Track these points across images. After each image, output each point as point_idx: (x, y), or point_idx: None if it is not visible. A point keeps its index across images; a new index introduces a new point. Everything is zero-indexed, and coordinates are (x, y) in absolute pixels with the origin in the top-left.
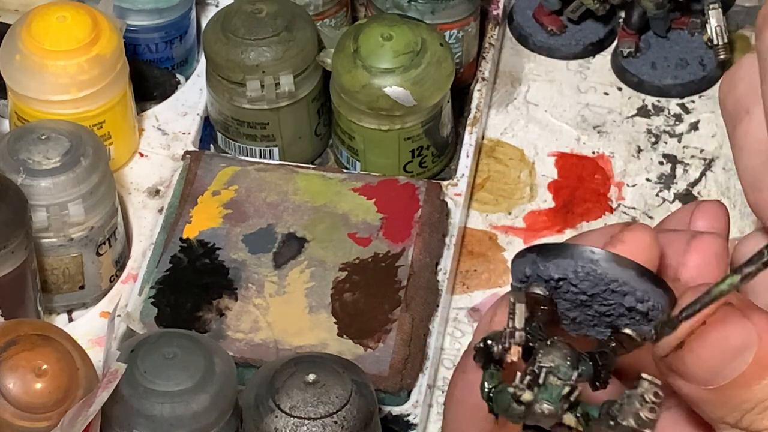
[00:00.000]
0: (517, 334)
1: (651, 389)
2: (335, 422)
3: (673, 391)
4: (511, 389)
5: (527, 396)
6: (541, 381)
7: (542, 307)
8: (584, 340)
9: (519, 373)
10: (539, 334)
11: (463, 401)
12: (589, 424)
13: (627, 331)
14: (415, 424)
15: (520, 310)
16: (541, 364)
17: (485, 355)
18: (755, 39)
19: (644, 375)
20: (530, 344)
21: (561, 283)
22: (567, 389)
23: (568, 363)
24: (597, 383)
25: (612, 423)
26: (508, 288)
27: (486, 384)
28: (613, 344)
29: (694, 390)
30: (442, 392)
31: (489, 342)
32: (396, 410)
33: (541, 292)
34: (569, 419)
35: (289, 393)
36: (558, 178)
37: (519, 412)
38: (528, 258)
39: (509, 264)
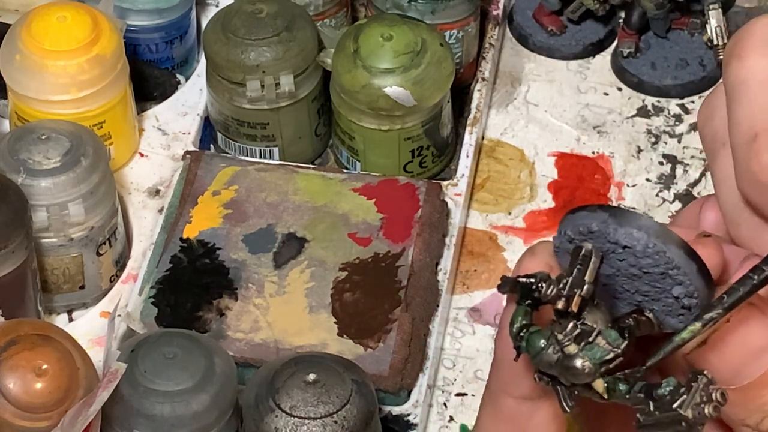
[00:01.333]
0: (586, 287)
1: (718, 389)
2: (335, 422)
3: None
4: (559, 336)
5: (572, 349)
6: (591, 339)
7: (578, 265)
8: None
9: (570, 324)
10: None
11: (502, 359)
12: (613, 396)
13: (649, 315)
14: (415, 424)
15: (595, 264)
16: (586, 321)
17: (525, 291)
18: (723, 72)
19: (706, 372)
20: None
21: (623, 250)
22: (611, 355)
23: (609, 327)
24: (623, 337)
25: (657, 406)
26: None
27: (519, 319)
28: (629, 322)
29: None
30: (442, 392)
31: (538, 281)
32: (396, 410)
33: (584, 251)
34: (599, 384)
35: (290, 393)
36: (558, 178)
37: (551, 360)
38: (599, 215)
39: (509, 264)
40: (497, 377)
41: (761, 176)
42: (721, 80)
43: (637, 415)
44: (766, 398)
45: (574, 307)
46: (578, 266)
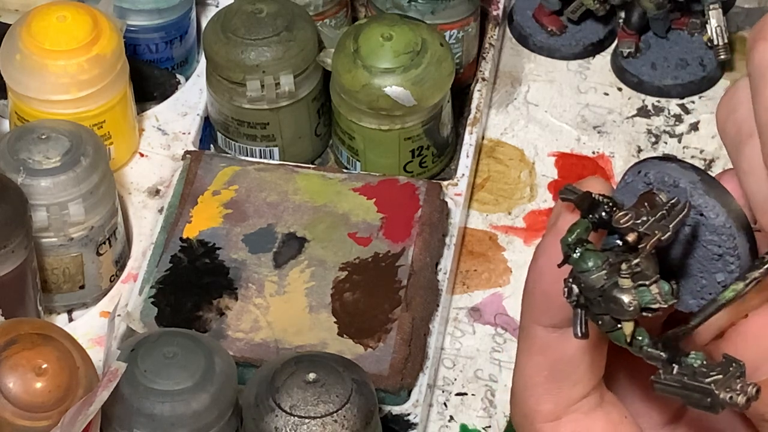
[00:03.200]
0: (669, 233)
1: (753, 384)
2: (335, 421)
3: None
4: (624, 266)
5: (627, 283)
6: (647, 283)
7: (643, 209)
8: None
9: (636, 260)
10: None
11: (533, 290)
12: (634, 343)
13: (673, 285)
14: (415, 424)
15: (682, 217)
16: (641, 265)
17: (595, 206)
18: (747, 59)
19: (743, 363)
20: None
21: (696, 217)
22: (657, 305)
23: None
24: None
25: (686, 373)
26: (504, 286)
27: (578, 231)
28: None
29: None
30: (442, 392)
31: (611, 204)
32: (396, 410)
33: (675, 200)
34: (628, 327)
35: (290, 392)
36: (558, 178)
37: (597, 283)
38: (690, 174)
39: (509, 264)
40: (528, 307)
41: None
42: (739, 78)
43: (659, 371)
44: None
45: (649, 247)
46: (665, 210)
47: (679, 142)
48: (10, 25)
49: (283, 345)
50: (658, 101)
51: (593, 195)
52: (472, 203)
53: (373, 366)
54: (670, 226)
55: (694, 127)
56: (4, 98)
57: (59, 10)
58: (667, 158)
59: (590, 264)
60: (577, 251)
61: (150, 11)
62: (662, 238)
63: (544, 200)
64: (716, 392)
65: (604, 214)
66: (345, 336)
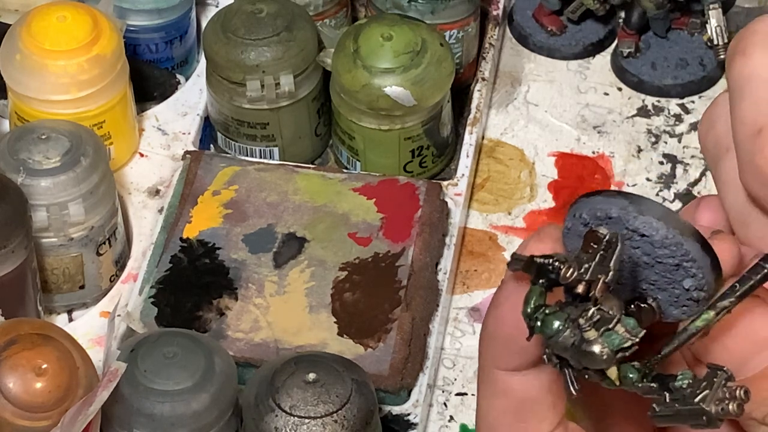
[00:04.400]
0: (611, 273)
1: (741, 386)
2: (335, 421)
3: None
4: (581, 320)
5: (592, 334)
6: (610, 326)
7: (593, 245)
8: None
9: (592, 309)
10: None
11: (494, 334)
12: (624, 383)
13: (652, 304)
14: (415, 424)
15: (620, 251)
16: (603, 308)
17: (541, 271)
18: (726, 73)
19: (726, 368)
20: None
21: (640, 239)
22: (629, 343)
23: (625, 314)
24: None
25: (677, 398)
26: None
27: (533, 300)
28: (632, 310)
29: None
30: (442, 392)
31: (556, 262)
32: (396, 410)
33: (609, 236)
34: (612, 372)
35: (290, 392)
36: (558, 178)
37: (568, 343)
38: (618, 201)
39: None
40: (488, 352)
41: (766, 170)
42: (721, 92)
43: (653, 404)
44: None
45: (598, 293)
46: (602, 251)
47: (679, 141)
48: (10, 25)
49: (283, 345)
50: (658, 101)
51: (536, 260)
52: (472, 203)
53: (373, 366)
54: (610, 265)
55: (694, 127)
56: (4, 98)
57: (59, 10)
58: (595, 192)
59: (555, 327)
60: (538, 320)
61: (150, 11)
62: (606, 280)
63: (544, 200)
64: (707, 409)
65: (551, 275)
66: (345, 336)
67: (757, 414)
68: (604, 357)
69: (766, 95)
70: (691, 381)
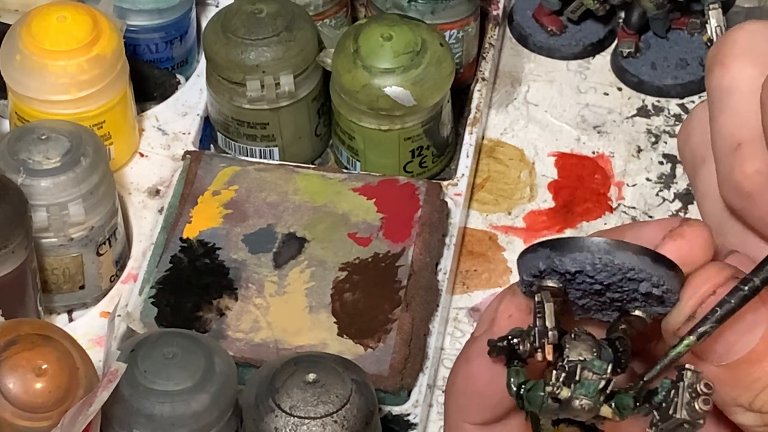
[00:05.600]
0: (550, 333)
1: (701, 380)
2: (335, 422)
3: None
4: (548, 388)
5: (565, 393)
6: (577, 377)
7: (554, 299)
8: (591, 324)
9: (554, 371)
10: (558, 328)
11: (465, 390)
12: (623, 413)
13: (637, 313)
14: (415, 424)
15: (550, 309)
16: (571, 359)
17: (509, 352)
18: (705, 79)
19: (688, 366)
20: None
21: (577, 275)
22: (603, 383)
23: (595, 354)
24: (618, 369)
25: (658, 415)
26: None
27: (513, 381)
28: (623, 326)
29: (706, 369)
30: (442, 392)
31: (514, 340)
32: (396, 410)
33: (555, 285)
34: (606, 410)
35: (289, 392)
36: (558, 178)
37: (555, 408)
38: (541, 253)
39: (509, 264)
40: (458, 407)
41: (744, 185)
42: (697, 103)
43: (647, 429)
44: (757, 375)
45: (549, 356)
46: (538, 315)
47: None
48: (10, 25)
49: (283, 345)
50: (658, 101)
51: (500, 344)
52: (472, 203)
53: (373, 366)
54: (546, 324)
55: None
56: (4, 98)
57: (59, 11)
58: (526, 249)
59: (539, 399)
60: (524, 398)
61: (150, 11)
62: (550, 342)
63: (544, 200)
64: (682, 418)
65: (519, 356)
66: (345, 336)
67: (743, 399)
68: (586, 408)
69: (745, 109)
70: (665, 393)
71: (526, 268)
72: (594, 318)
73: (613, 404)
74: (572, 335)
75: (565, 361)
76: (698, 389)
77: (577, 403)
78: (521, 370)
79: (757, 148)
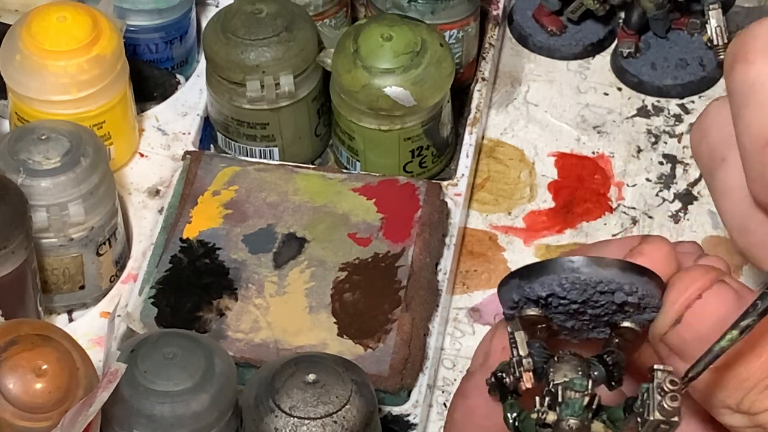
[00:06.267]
0: (524, 361)
1: (666, 377)
2: (335, 422)
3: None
4: (534, 415)
5: (551, 417)
6: (560, 399)
7: (540, 326)
8: (589, 344)
9: (537, 397)
10: (545, 352)
11: (464, 425)
12: (617, 425)
13: (626, 324)
14: (415, 424)
15: (520, 337)
16: (556, 382)
17: (500, 387)
18: (725, 78)
19: (656, 366)
20: (542, 366)
21: (550, 299)
22: (587, 399)
23: (580, 373)
24: (612, 383)
25: (639, 420)
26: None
27: (509, 415)
28: (617, 340)
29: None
30: (442, 392)
31: (500, 374)
32: (396, 410)
33: (535, 313)
34: (597, 426)
35: (289, 393)
36: (558, 178)
37: None
38: (512, 284)
39: (509, 264)
40: None
41: None
42: (712, 100)
43: None
44: (744, 375)
45: (528, 384)
46: (512, 346)
47: (679, 142)
48: (10, 25)
49: (283, 345)
50: (658, 101)
51: (490, 382)
52: (472, 203)
53: (372, 366)
54: (520, 353)
55: None
56: (4, 98)
57: (59, 11)
58: (501, 282)
59: (532, 428)
60: (520, 430)
61: (150, 11)
62: (528, 370)
63: (544, 200)
64: (657, 419)
65: (511, 388)
66: (345, 336)
67: (731, 401)
68: (574, 428)
69: None
70: (642, 397)
71: (503, 301)
72: (590, 337)
73: (605, 418)
74: (556, 358)
75: (551, 385)
76: (665, 387)
77: (564, 424)
78: (515, 402)
79: None
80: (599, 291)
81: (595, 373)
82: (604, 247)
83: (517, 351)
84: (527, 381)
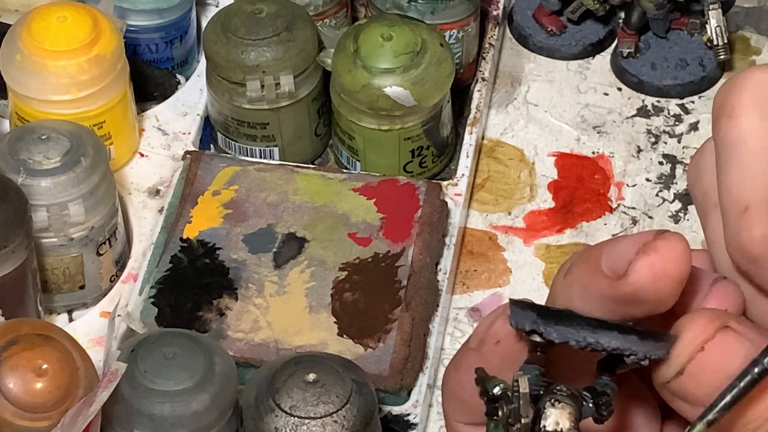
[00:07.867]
0: (523, 420)
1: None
2: (335, 422)
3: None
4: None
5: None
6: (550, 429)
7: (539, 350)
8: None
9: None
10: (541, 380)
11: (454, 395)
12: None
13: (628, 360)
14: (415, 424)
15: (525, 395)
16: (547, 429)
17: (488, 400)
18: (712, 129)
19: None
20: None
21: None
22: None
23: (572, 425)
24: (601, 415)
25: None
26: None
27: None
28: (621, 370)
29: (698, 413)
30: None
31: (493, 395)
32: (396, 410)
33: (540, 340)
34: None
35: (290, 392)
36: (558, 178)
37: None
38: (528, 316)
39: (509, 264)
40: (449, 409)
41: (751, 250)
42: (706, 141)
43: None
44: (749, 417)
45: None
46: (515, 394)
47: (679, 142)
48: (10, 25)
49: (283, 345)
50: (658, 101)
51: (485, 398)
52: (471, 203)
53: (373, 366)
54: (521, 412)
55: (694, 127)
56: (4, 98)
57: (59, 11)
58: (516, 303)
59: None
60: None
61: (150, 11)
62: (522, 425)
63: (544, 200)
64: None
65: (507, 414)
66: (345, 336)
67: None
68: None
69: (754, 167)
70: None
71: (513, 317)
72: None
73: None
74: (552, 401)
75: (542, 429)
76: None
77: None
78: (508, 423)
79: (765, 211)
80: (612, 350)
81: (587, 411)
82: (616, 243)
83: (517, 408)
84: (517, 429)
